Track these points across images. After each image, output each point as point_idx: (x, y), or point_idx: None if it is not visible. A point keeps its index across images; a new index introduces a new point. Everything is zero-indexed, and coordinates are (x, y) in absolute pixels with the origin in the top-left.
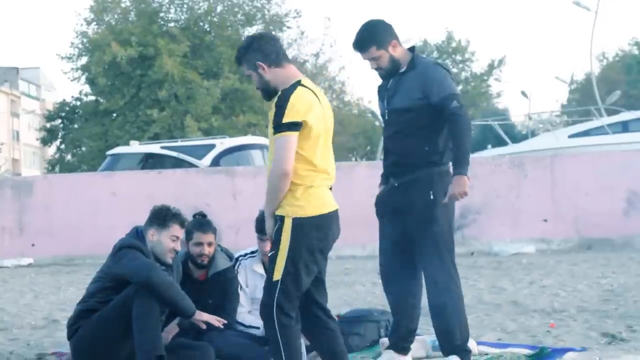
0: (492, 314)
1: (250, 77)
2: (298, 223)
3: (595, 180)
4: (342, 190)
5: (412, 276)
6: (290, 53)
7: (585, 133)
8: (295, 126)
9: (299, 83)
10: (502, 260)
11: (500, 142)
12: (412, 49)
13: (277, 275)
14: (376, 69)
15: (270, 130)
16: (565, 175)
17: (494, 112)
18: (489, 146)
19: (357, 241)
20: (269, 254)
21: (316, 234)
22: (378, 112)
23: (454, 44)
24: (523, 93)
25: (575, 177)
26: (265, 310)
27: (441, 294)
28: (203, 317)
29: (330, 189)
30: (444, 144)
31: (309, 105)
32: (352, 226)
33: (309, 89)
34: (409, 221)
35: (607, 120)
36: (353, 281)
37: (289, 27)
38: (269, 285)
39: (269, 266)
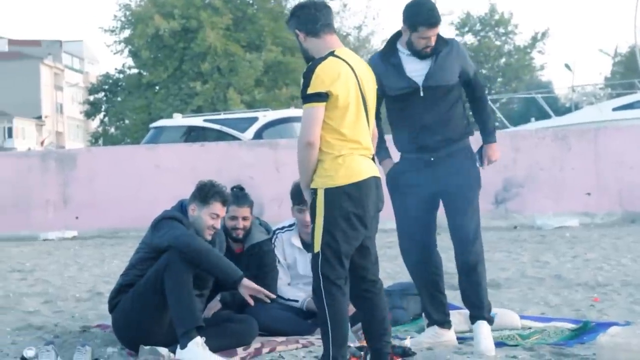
0: (535, 288)
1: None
2: (329, 194)
3: (639, 154)
4: None
5: (433, 251)
6: None
7: (629, 106)
8: (319, 97)
9: (331, 54)
10: (546, 234)
11: (543, 115)
12: None
13: (317, 247)
14: (425, 47)
15: None
16: (609, 148)
17: (537, 84)
18: (533, 119)
19: None
20: (310, 227)
21: (349, 202)
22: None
23: (497, 17)
24: (567, 66)
25: (619, 150)
26: (314, 282)
27: (477, 254)
28: (251, 285)
29: (373, 159)
30: (468, 117)
31: (335, 75)
32: None
33: (342, 59)
34: (446, 191)
35: None
36: (396, 254)
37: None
38: (313, 257)
39: (311, 238)
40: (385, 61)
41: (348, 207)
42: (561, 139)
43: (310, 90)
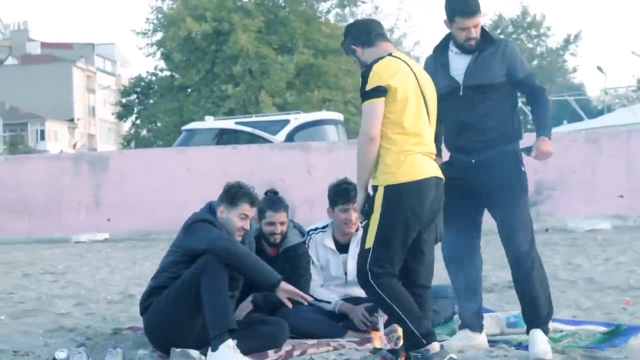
0: (567, 291)
1: (355, 62)
2: (389, 191)
3: None
4: None
5: (475, 253)
6: None
7: None
8: (378, 92)
9: (389, 54)
10: (577, 237)
11: (576, 118)
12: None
13: (369, 243)
14: (468, 39)
15: None
16: None
17: (569, 87)
18: (565, 121)
19: None
20: (363, 224)
21: (409, 201)
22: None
23: (529, 19)
24: (599, 68)
25: None
26: (361, 278)
27: (528, 264)
28: (289, 287)
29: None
30: (519, 120)
31: (393, 70)
32: None
33: (400, 58)
34: (490, 195)
35: None
36: None
37: (363, 2)
38: (362, 252)
39: (362, 235)
40: (436, 60)
41: (406, 205)
42: (593, 141)
43: (368, 87)
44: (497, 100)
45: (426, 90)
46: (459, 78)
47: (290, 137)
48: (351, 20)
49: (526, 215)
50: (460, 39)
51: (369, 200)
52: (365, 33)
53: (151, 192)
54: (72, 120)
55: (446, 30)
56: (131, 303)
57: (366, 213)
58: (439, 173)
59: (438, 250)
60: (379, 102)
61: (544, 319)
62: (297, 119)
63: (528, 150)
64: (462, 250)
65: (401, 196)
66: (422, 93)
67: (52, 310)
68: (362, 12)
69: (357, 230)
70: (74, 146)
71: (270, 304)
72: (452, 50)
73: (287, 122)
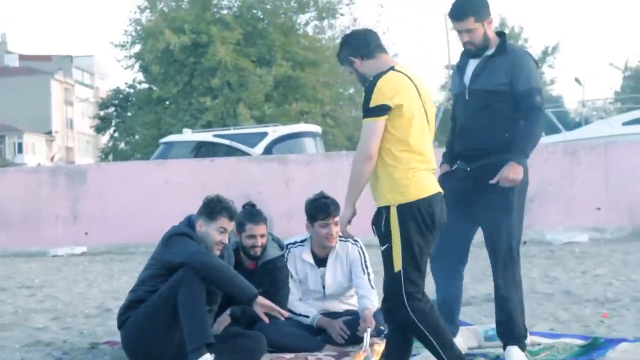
0: (544, 304)
1: (351, 73)
2: (403, 210)
3: None
4: None
5: (461, 261)
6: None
7: (639, 120)
8: (381, 110)
9: (391, 68)
10: (555, 249)
11: (553, 130)
12: (502, 34)
13: (398, 265)
14: (466, 42)
15: None
16: (619, 163)
17: (547, 99)
18: (543, 134)
19: None
20: (382, 248)
21: (421, 217)
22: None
23: (507, 30)
24: (577, 80)
25: (629, 165)
26: (394, 301)
27: (509, 285)
28: (266, 302)
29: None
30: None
31: (398, 87)
32: None
33: (402, 73)
34: (481, 207)
35: None
36: None
37: (342, 15)
38: (392, 276)
39: (385, 259)
40: (458, 63)
41: (421, 221)
42: (571, 153)
43: (372, 104)
44: (497, 109)
45: (427, 105)
46: (467, 81)
47: (268, 150)
48: (330, 33)
49: (509, 229)
50: (461, 41)
51: (384, 223)
52: (365, 44)
53: (129, 205)
54: (50, 132)
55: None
56: (108, 317)
57: (384, 236)
58: (439, 189)
59: None
60: (381, 121)
61: (518, 334)
62: (275, 131)
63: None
64: (446, 258)
65: (415, 213)
66: (424, 109)
67: (28, 325)
68: (341, 24)
69: (335, 243)
70: (52, 159)
71: (248, 318)
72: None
73: (265, 134)
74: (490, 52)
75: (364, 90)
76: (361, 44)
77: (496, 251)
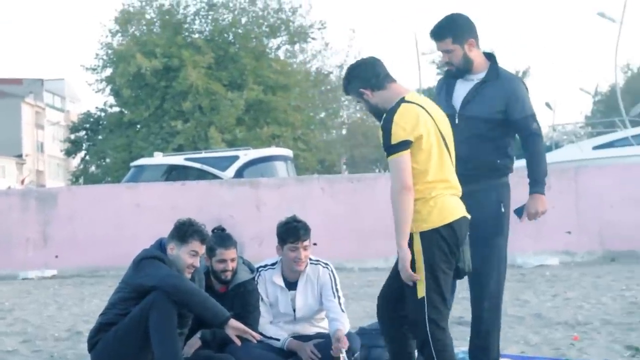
0: (515, 327)
1: (359, 103)
2: (425, 237)
3: (620, 192)
4: (365, 202)
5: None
6: (314, 64)
7: (610, 144)
8: (404, 145)
9: (402, 100)
10: (526, 273)
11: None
12: (491, 56)
13: (421, 292)
14: (446, 63)
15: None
16: (589, 187)
17: None
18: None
19: (380, 253)
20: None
21: (444, 242)
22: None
23: None
24: (547, 104)
25: (600, 189)
26: (416, 327)
27: (493, 313)
28: (238, 325)
29: (461, 198)
30: (512, 156)
31: (415, 120)
32: (375, 238)
33: (414, 102)
34: (471, 232)
35: (631, 131)
36: (376, 293)
37: (313, 39)
38: (415, 303)
39: (409, 286)
40: (444, 81)
41: (444, 247)
42: None
43: (394, 141)
44: (489, 135)
45: (444, 129)
46: (457, 105)
47: (239, 173)
48: (301, 57)
49: (494, 260)
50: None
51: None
52: (374, 75)
53: (100, 229)
54: (20, 156)
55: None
56: (79, 340)
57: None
58: (464, 212)
59: None
60: (406, 154)
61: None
62: (246, 155)
63: (520, 212)
64: None
65: (438, 240)
66: (441, 133)
67: None
68: (312, 48)
69: (306, 267)
70: (22, 182)
71: (219, 341)
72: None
73: (236, 158)
74: (481, 76)
75: (381, 127)
76: (371, 75)
77: (484, 276)
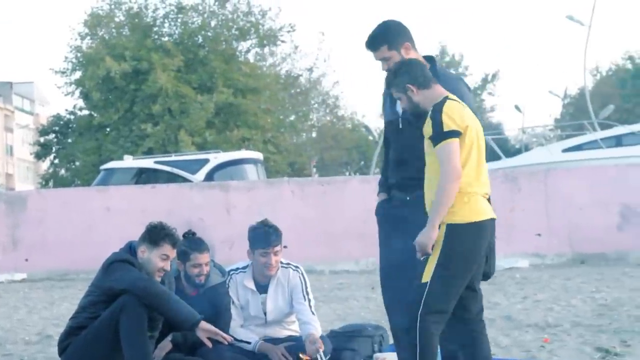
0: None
1: (399, 99)
2: (452, 229)
3: (589, 195)
4: (335, 204)
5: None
6: (283, 67)
7: (579, 147)
8: (455, 133)
9: (447, 98)
10: (496, 275)
11: (494, 157)
12: (431, 59)
13: (426, 277)
14: (387, 70)
15: (426, 142)
16: (558, 189)
17: (487, 126)
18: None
19: (350, 256)
20: (422, 258)
21: (470, 241)
22: (372, 126)
23: (447, 58)
24: (517, 107)
25: (569, 192)
26: (411, 309)
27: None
28: (209, 327)
29: (489, 200)
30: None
31: (461, 113)
32: (346, 241)
33: (457, 101)
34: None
35: (600, 134)
36: (347, 296)
37: (283, 42)
38: (417, 286)
39: (419, 270)
40: (388, 87)
41: (467, 245)
42: (511, 180)
43: (445, 128)
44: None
45: (479, 131)
46: (399, 110)
47: (209, 177)
48: (271, 60)
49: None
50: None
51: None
52: (423, 75)
53: (70, 232)
54: None
55: None
56: (49, 344)
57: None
58: (493, 214)
59: (359, 289)
60: (457, 142)
61: None
62: (216, 158)
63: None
64: (396, 273)
65: (463, 236)
66: (479, 137)
67: None
68: (282, 51)
69: (277, 271)
70: None
71: (189, 344)
72: None
73: (206, 161)
74: None
75: (429, 117)
76: (419, 74)
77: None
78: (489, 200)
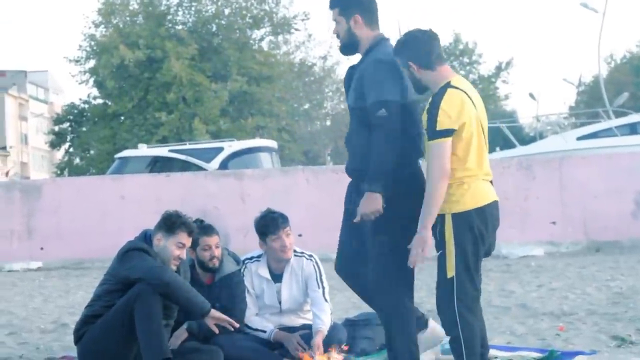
0: (501, 317)
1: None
2: (457, 218)
3: (604, 183)
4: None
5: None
6: (297, 55)
7: (593, 135)
8: (447, 133)
9: (448, 85)
10: (511, 263)
11: (508, 145)
12: (383, 40)
13: (451, 272)
14: (335, 34)
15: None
16: (573, 177)
17: (502, 114)
18: (497, 148)
19: None
20: (437, 254)
21: (477, 226)
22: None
23: (461, 46)
24: (531, 95)
25: (584, 180)
26: (444, 306)
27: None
28: (218, 315)
29: (491, 182)
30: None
31: (460, 107)
32: None
33: (459, 88)
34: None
35: (615, 122)
36: None
37: (297, 30)
38: (444, 282)
39: (439, 266)
40: (353, 71)
41: (475, 229)
42: (526, 168)
43: (439, 127)
44: (366, 125)
45: (482, 117)
46: (350, 101)
47: (224, 165)
48: (285, 48)
49: (374, 254)
50: None
51: (439, 230)
52: (426, 54)
53: (85, 220)
54: (4, 148)
55: None
56: (65, 332)
57: (438, 242)
58: (496, 197)
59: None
60: (448, 141)
61: None
62: (231, 146)
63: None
64: (356, 263)
65: (469, 222)
66: (481, 121)
67: None
68: (296, 39)
69: (292, 256)
70: (6, 174)
71: (205, 333)
72: None
73: (221, 149)
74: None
75: (425, 111)
76: (423, 53)
77: (369, 278)
78: (491, 182)
